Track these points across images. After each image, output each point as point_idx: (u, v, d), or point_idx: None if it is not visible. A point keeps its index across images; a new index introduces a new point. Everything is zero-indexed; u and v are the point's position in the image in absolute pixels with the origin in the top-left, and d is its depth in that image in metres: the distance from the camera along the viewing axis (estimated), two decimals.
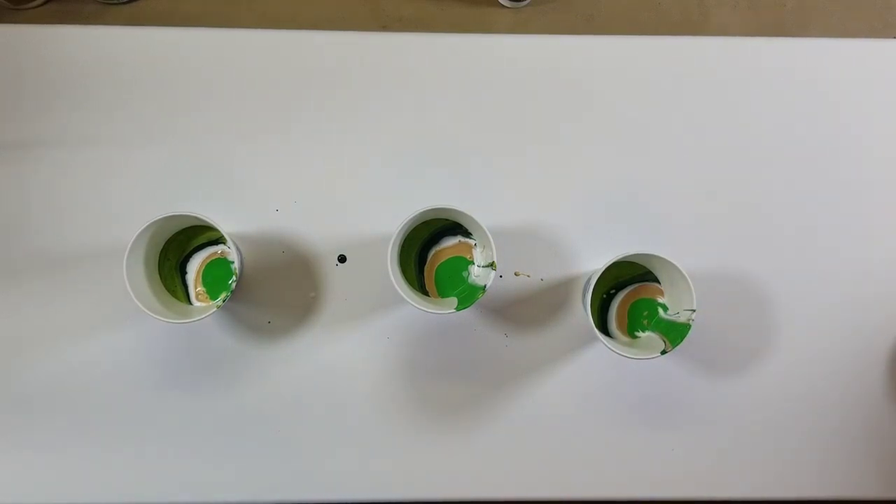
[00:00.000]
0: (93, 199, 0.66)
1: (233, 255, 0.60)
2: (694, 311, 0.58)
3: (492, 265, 0.60)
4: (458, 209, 0.59)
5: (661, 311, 0.65)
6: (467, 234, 0.64)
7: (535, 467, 0.66)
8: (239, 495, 0.65)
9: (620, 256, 0.59)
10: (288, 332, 0.65)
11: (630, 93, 0.68)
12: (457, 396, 0.66)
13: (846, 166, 0.68)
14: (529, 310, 0.66)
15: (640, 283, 0.65)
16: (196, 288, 0.64)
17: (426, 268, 0.65)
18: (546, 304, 0.66)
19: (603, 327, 0.65)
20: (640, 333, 0.65)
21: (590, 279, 0.62)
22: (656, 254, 0.59)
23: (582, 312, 0.66)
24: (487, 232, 0.58)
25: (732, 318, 0.67)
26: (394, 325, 0.66)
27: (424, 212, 0.59)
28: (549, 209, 0.67)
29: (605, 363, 0.66)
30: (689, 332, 0.58)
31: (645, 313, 0.65)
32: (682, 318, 0.60)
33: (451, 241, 0.65)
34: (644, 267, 0.65)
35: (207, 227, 0.63)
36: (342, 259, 0.66)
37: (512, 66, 0.68)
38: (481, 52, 0.68)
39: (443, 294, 0.64)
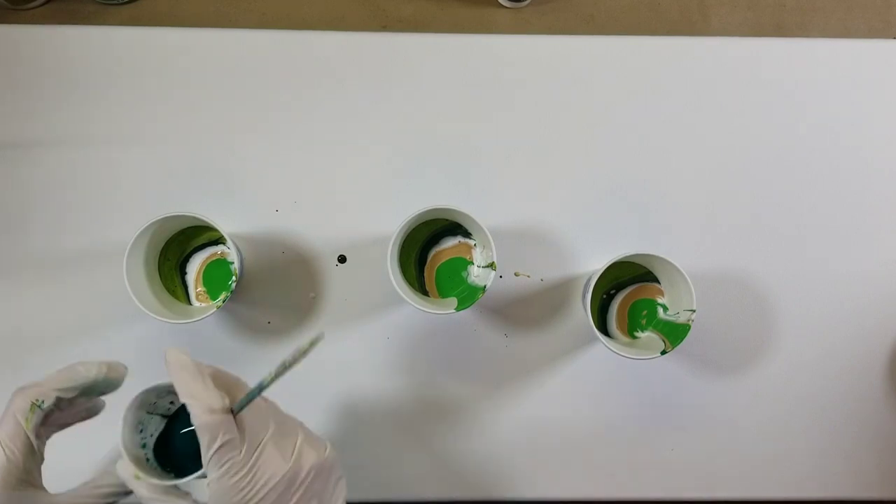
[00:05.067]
0: (93, 199, 0.66)
1: (233, 256, 0.60)
2: (694, 311, 0.58)
3: (492, 265, 0.60)
4: (458, 209, 0.59)
5: (661, 311, 0.65)
6: (467, 234, 0.64)
7: (534, 467, 0.66)
8: None
9: (620, 257, 0.59)
10: (288, 332, 0.65)
11: (630, 93, 0.68)
12: (457, 396, 0.66)
13: (846, 166, 0.68)
14: (529, 310, 0.66)
15: (640, 284, 0.65)
16: (196, 288, 0.64)
17: (426, 268, 0.65)
18: (546, 304, 0.66)
19: (603, 327, 0.65)
20: (639, 333, 0.65)
21: (590, 279, 0.62)
22: (656, 254, 0.59)
23: (582, 312, 0.66)
24: (487, 232, 0.58)
25: (732, 318, 0.67)
26: (394, 325, 0.66)
27: (424, 212, 0.59)
28: (549, 209, 0.67)
29: (605, 363, 0.66)
30: (689, 332, 0.58)
31: (644, 313, 0.65)
32: (681, 319, 0.60)
33: (451, 242, 0.65)
34: (644, 267, 0.65)
35: (207, 228, 0.63)
36: (342, 259, 0.66)
37: (512, 66, 0.68)
38: (481, 52, 0.68)
39: (443, 294, 0.64)
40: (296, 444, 0.43)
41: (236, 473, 0.40)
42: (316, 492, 0.43)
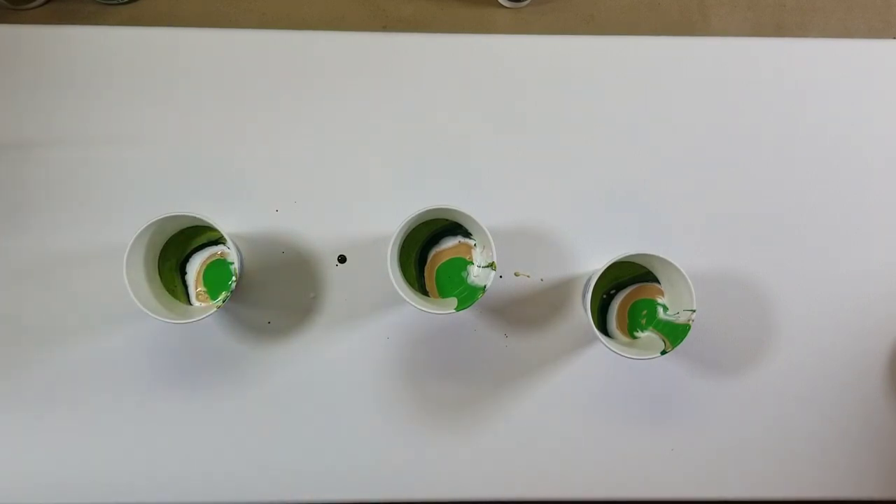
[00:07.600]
0: (93, 199, 0.66)
1: (233, 256, 0.60)
2: (694, 311, 0.58)
3: (492, 265, 0.60)
4: (458, 209, 0.59)
5: (661, 311, 0.65)
6: (467, 234, 0.64)
7: (534, 467, 0.66)
8: (238, 495, 0.65)
9: (620, 257, 0.59)
10: (288, 332, 0.65)
11: (630, 93, 0.68)
12: (457, 396, 0.66)
13: (846, 166, 0.68)
14: (529, 310, 0.66)
15: (640, 284, 0.65)
16: (196, 288, 0.64)
17: (426, 268, 0.65)
18: (546, 304, 0.66)
19: (603, 327, 0.65)
20: (639, 333, 0.65)
21: (590, 279, 0.62)
22: (656, 254, 0.59)
23: (582, 312, 0.66)
24: (487, 232, 0.58)
25: (732, 318, 0.67)
26: (394, 325, 0.66)
27: (424, 212, 0.59)
28: (549, 209, 0.67)
29: (605, 363, 0.66)
30: (689, 332, 0.58)
31: (644, 313, 0.65)
32: (681, 319, 0.60)
33: (451, 242, 0.65)
34: (644, 267, 0.65)
35: (207, 228, 0.63)
36: (342, 259, 0.66)
37: (512, 66, 0.68)
38: (481, 52, 0.68)
39: (443, 294, 0.64)
40: None
41: None
42: None
